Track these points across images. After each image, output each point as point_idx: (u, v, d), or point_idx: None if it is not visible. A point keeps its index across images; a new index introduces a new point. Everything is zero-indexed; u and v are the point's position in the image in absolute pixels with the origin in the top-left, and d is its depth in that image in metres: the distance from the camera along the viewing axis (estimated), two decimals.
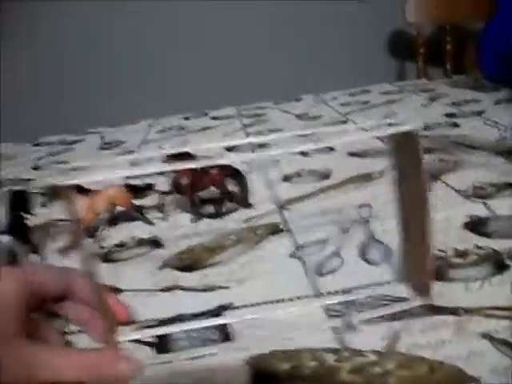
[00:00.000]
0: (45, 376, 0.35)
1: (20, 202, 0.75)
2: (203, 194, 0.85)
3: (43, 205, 0.78)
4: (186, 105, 1.94)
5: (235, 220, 0.83)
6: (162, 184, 0.88)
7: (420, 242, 0.53)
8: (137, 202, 0.85)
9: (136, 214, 0.85)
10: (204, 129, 1.52)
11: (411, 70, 2.64)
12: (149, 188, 0.89)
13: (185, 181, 0.81)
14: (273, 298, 0.60)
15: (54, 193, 0.78)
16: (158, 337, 0.56)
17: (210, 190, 0.84)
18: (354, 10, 2.61)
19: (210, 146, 0.51)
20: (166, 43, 2.58)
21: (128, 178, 1.03)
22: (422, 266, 0.53)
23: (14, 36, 2.45)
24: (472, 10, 2.16)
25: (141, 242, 0.79)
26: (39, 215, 0.79)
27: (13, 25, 2.41)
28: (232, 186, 0.85)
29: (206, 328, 0.56)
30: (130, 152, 1.35)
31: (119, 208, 0.83)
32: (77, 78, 2.59)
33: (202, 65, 2.63)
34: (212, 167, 0.83)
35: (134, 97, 2.56)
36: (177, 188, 0.82)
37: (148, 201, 0.91)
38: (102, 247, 0.79)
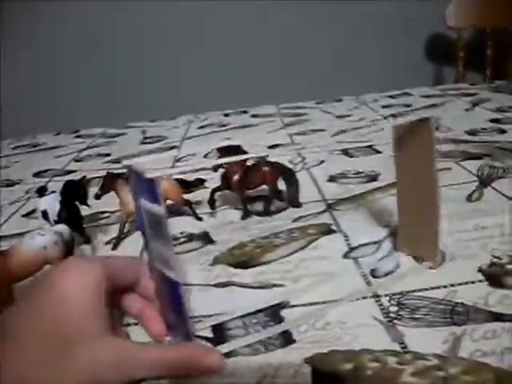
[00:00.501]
0: (141, 373, 0.35)
1: (75, 192, 0.76)
2: (254, 191, 0.85)
3: (96, 196, 0.78)
4: (224, 102, 1.95)
5: (284, 218, 0.83)
6: (213, 179, 0.88)
7: (427, 215, 0.63)
8: (187, 197, 0.86)
9: (186, 208, 0.85)
10: (245, 126, 1.53)
11: (448, 74, 2.62)
12: (199, 183, 0.89)
13: (236, 177, 0.81)
14: (329, 298, 0.59)
15: (108, 184, 0.79)
16: (215, 332, 0.56)
17: (261, 187, 0.84)
18: (393, 12, 2.59)
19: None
20: (203, 40, 2.59)
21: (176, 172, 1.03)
22: (427, 234, 0.64)
23: (15, 36, 2.47)
24: None
25: (191, 237, 0.80)
26: (91, 206, 0.80)
27: (15, 24, 2.44)
28: (282, 185, 0.85)
29: (264, 325, 0.56)
30: (173, 147, 1.36)
31: (169, 202, 0.84)
32: (79, 75, 2.60)
33: (241, 62, 2.62)
34: (264, 164, 0.83)
35: (173, 92, 2.57)
36: (227, 184, 0.82)
37: (198, 196, 0.91)
38: None
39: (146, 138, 1.52)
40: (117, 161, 1.29)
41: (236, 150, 0.78)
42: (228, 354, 0.52)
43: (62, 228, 0.68)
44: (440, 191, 0.62)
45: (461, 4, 2.27)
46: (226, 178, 0.82)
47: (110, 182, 0.78)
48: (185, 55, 2.58)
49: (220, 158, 0.81)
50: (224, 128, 1.54)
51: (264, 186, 0.84)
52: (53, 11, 2.44)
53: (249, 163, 0.83)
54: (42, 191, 0.79)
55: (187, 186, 0.86)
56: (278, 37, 2.61)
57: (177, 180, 0.84)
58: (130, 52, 2.56)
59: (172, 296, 0.39)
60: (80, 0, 2.43)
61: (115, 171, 0.81)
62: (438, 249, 0.64)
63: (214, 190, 0.85)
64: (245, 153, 0.81)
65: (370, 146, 1.15)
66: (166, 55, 2.58)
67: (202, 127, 1.58)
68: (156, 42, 2.57)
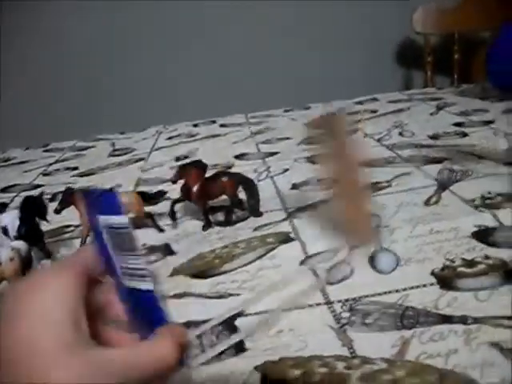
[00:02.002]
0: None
1: (34, 207, 0.76)
2: (214, 202, 0.85)
3: (56, 211, 0.79)
4: (194, 112, 1.95)
5: (245, 228, 0.84)
6: (173, 191, 0.88)
7: (356, 205, 0.68)
8: (148, 209, 0.86)
9: (147, 221, 0.86)
10: (213, 136, 1.53)
11: (417, 79, 2.65)
12: (160, 195, 0.89)
13: (196, 188, 0.82)
14: (284, 306, 0.60)
15: (67, 199, 0.79)
16: None
17: (221, 198, 0.85)
18: (361, 18, 2.62)
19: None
20: (172, 49, 2.59)
21: (139, 185, 1.04)
22: (361, 221, 0.70)
23: (15, 36, 2.47)
24: (481, 19, 2.17)
25: (152, 249, 0.80)
26: (51, 221, 0.80)
27: (14, 24, 2.43)
28: (242, 195, 0.86)
29: (218, 334, 0.57)
30: (141, 159, 1.36)
31: (131, 215, 0.84)
32: (80, 83, 2.60)
33: (209, 71, 2.63)
34: (223, 175, 0.84)
35: (142, 103, 2.57)
36: (188, 195, 0.83)
37: (159, 208, 0.92)
38: None
39: (114, 150, 1.52)
40: (84, 174, 1.30)
41: (196, 164, 0.80)
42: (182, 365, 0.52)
43: (20, 244, 0.68)
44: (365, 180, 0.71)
45: (427, 9, 2.30)
46: (185, 190, 0.83)
47: (68, 197, 0.79)
48: (156, 67, 2.58)
49: (180, 174, 0.82)
50: (192, 138, 1.54)
51: (225, 196, 0.85)
52: (27, 24, 2.44)
53: (207, 174, 0.83)
54: (1, 208, 0.79)
55: (148, 198, 0.86)
56: (248, 45, 2.63)
57: (138, 193, 0.85)
58: (100, 64, 2.56)
59: (148, 310, 0.37)
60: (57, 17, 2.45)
61: (75, 186, 0.82)
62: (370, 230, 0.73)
63: (174, 202, 0.86)
64: (204, 166, 0.82)
65: None
66: (136, 67, 2.58)
67: (170, 138, 1.58)
68: (127, 54, 2.57)
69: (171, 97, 2.59)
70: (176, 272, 0.72)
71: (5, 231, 0.77)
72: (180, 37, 2.58)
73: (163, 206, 0.92)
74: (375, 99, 1.78)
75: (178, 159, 0.84)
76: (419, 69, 2.56)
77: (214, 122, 1.74)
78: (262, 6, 2.55)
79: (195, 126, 1.72)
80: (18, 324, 0.33)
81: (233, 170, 1.12)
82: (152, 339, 0.37)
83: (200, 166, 0.81)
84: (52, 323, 0.33)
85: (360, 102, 1.76)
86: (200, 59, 2.62)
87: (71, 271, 0.36)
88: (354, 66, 2.68)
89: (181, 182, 0.83)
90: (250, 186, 0.86)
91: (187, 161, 0.80)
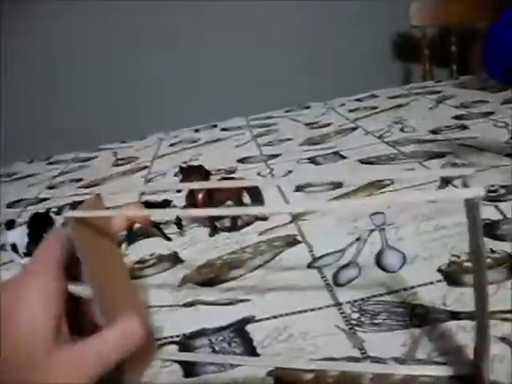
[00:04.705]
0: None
1: (42, 224, 0.77)
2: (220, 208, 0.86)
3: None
4: (194, 117, 1.96)
5: (251, 233, 0.84)
6: (178, 199, 0.89)
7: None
8: (154, 219, 0.87)
9: (154, 230, 0.86)
10: (215, 141, 1.54)
11: (416, 72, 2.66)
12: (166, 204, 0.90)
13: (201, 195, 0.82)
14: (293, 310, 0.61)
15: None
16: (183, 351, 0.57)
17: (226, 203, 0.85)
18: (356, 13, 2.63)
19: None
20: (170, 55, 2.61)
21: (144, 194, 1.05)
22: None
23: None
24: (476, 10, 2.18)
25: (161, 259, 0.81)
26: None
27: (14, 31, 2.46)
28: (247, 199, 0.87)
29: (230, 341, 0.57)
30: (144, 167, 1.37)
31: (137, 225, 0.85)
32: (76, 93, 2.62)
33: (207, 75, 2.64)
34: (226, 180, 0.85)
35: (141, 111, 2.58)
36: (193, 203, 0.84)
37: (163, 216, 0.92)
38: None
39: (118, 159, 1.53)
40: (89, 185, 1.30)
41: (198, 170, 0.80)
42: (196, 373, 0.53)
43: (28, 260, 0.69)
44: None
45: (423, 2, 2.31)
46: (190, 198, 0.83)
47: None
48: (153, 73, 2.59)
49: (185, 177, 0.82)
50: (195, 144, 1.55)
51: (229, 202, 0.86)
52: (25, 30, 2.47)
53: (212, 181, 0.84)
54: (10, 224, 0.80)
55: (153, 207, 0.87)
56: (243, 46, 2.64)
57: (143, 203, 0.85)
58: (97, 75, 2.58)
59: None
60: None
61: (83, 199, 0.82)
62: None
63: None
64: (207, 172, 0.82)
65: (336, 153, 1.17)
66: (132, 74, 2.60)
67: (172, 145, 1.59)
68: (124, 63, 2.58)
69: (168, 102, 2.60)
70: (185, 281, 0.72)
71: (14, 248, 0.78)
72: (177, 42, 2.59)
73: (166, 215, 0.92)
74: (374, 96, 1.79)
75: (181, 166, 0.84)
76: (418, 62, 2.56)
77: (215, 126, 1.75)
78: (258, 5, 2.56)
79: (196, 131, 1.73)
80: (8, 338, 0.37)
81: (236, 174, 1.13)
82: (116, 322, 0.41)
83: (203, 172, 0.82)
84: (37, 333, 0.37)
85: (359, 99, 1.77)
86: (195, 63, 2.63)
87: (48, 276, 0.40)
88: (351, 62, 2.68)
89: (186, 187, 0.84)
90: (254, 190, 0.86)
91: (190, 164, 0.80)
